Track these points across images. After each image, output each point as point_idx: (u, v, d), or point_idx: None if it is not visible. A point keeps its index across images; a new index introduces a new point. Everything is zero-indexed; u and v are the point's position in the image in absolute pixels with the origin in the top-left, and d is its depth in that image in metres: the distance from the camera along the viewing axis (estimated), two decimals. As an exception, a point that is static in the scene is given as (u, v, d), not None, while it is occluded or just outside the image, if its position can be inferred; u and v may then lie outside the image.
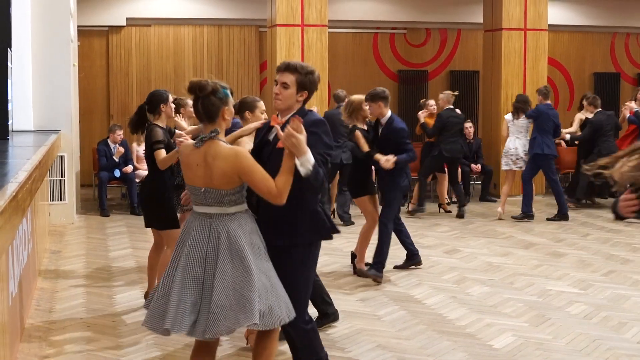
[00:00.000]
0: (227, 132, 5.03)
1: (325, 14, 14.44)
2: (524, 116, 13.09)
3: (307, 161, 4.58)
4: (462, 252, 10.57)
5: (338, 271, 9.38)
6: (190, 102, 8.57)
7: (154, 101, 7.59)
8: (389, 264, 9.21)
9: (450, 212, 13.74)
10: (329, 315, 7.13)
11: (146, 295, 7.85)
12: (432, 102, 14.21)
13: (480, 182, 15.37)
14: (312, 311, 5.70)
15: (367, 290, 8.49)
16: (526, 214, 12.97)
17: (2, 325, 5.18)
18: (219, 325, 4.50)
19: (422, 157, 13.76)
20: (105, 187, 13.47)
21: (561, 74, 19.16)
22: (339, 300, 8.07)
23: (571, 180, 15.10)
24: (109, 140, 13.80)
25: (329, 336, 6.87)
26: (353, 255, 9.41)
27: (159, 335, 6.84)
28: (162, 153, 7.35)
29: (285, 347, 5.57)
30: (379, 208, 9.16)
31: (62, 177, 12.12)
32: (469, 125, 15.03)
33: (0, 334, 5.10)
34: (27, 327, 7.01)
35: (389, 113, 8.98)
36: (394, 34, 18.56)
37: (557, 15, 17.66)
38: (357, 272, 9.18)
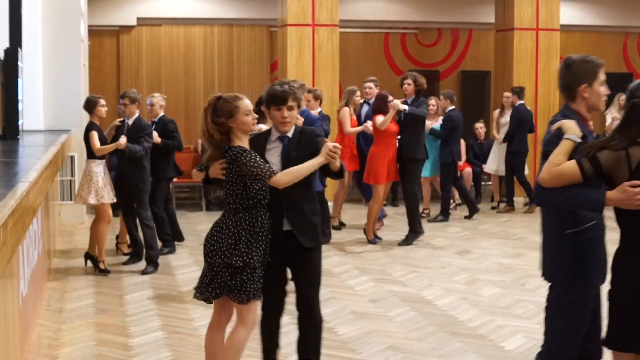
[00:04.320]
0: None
1: (336, 14, 14.41)
2: None
3: None
4: (473, 253, 10.53)
5: (349, 272, 9.36)
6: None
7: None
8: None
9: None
10: None
11: None
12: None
13: (491, 182, 15.28)
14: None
15: (378, 291, 8.46)
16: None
17: (12, 325, 5.17)
18: None
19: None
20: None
21: (573, 74, 19.08)
22: (350, 301, 8.05)
23: None
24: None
25: (339, 337, 6.85)
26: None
27: (169, 336, 6.85)
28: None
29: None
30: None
31: (72, 177, 12.12)
32: (480, 126, 15.04)
33: (10, 333, 5.09)
34: (38, 327, 7.00)
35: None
36: (405, 33, 18.51)
37: (569, 15, 17.57)
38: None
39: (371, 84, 12.37)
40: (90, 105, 9.43)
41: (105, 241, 9.36)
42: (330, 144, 5.04)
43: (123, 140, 9.10)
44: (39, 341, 6.67)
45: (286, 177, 5.04)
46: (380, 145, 10.70)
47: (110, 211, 9.31)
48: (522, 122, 13.67)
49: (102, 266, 9.22)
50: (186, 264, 9.77)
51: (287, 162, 5.17)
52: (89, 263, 9.35)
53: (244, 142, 5.15)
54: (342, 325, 7.21)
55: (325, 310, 7.60)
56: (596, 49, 19.19)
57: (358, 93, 12.14)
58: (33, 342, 6.54)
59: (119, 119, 9.59)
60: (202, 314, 7.54)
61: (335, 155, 4.99)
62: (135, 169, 9.33)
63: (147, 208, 9.45)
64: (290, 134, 5.28)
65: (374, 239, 10.88)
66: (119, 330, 7.07)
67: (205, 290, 5.15)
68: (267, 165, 5.07)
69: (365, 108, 12.32)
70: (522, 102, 13.88)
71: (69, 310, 7.71)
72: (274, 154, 5.25)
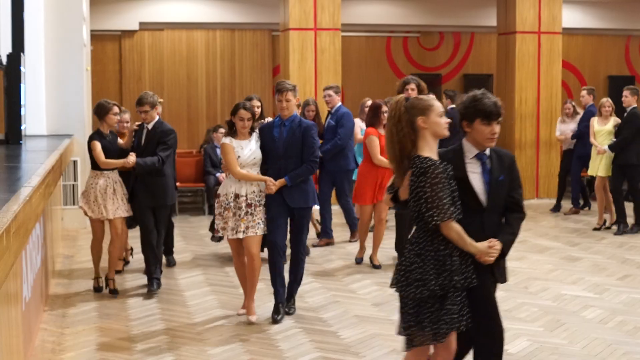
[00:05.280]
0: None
1: (338, 18, 14.42)
2: None
3: None
4: (476, 256, 10.49)
5: (352, 276, 9.35)
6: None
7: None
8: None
9: None
10: None
11: None
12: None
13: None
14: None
15: (381, 295, 8.45)
16: None
17: (16, 329, 5.17)
18: None
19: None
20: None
21: (575, 77, 19.08)
22: (353, 305, 8.05)
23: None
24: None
25: (342, 341, 6.84)
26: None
27: (171, 340, 6.85)
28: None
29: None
30: None
31: (75, 181, 12.12)
32: None
33: (14, 337, 5.09)
34: (41, 332, 7.01)
35: None
36: (407, 37, 18.53)
37: (571, 18, 17.58)
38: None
39: (330, 92, 10.96)
40: (100, 111, 8.50)
41: (98, 258, 8.68)
42: (493, 245, 4.79)
43: (132, 158, 8.19)
44: (42, 346, 6.67)
45: (453, 234, 4.66)
46: (369, 164, 9.62)
47: (95, 227, 8.54)
48: (453, 127, 13.39)
49: (95, 284, 8.61)
50: (189, 267, 9.77)
51: (495, 184, 4.80)
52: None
53: (433, 150, 4.73)
54: (345, 329, 7.20)
55: (328, 314, 7.63)
56: (598, 52, 19.23)
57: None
58: (36, 346, 6.55)
59: (136, 123, 8.67)
60: (205, 318, 7.55)
61: (489, 260, 4.82)
62: (158, 178, 8.42)
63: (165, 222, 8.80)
64: (487, 152, 4.86)
65: (378, 264, 9.75)
66: (122, 335, 7.07)
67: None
68: (449, 204, 4.60)
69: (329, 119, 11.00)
70: (453, 106, 13.68)
71: (72, 314, 7.71)
72: (473, 173, 4.81)
